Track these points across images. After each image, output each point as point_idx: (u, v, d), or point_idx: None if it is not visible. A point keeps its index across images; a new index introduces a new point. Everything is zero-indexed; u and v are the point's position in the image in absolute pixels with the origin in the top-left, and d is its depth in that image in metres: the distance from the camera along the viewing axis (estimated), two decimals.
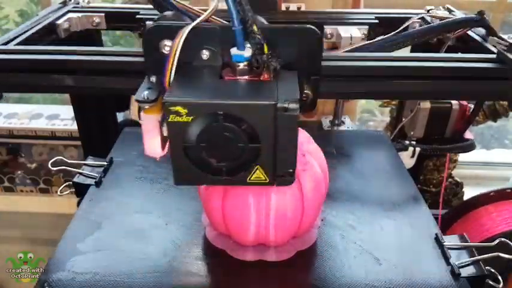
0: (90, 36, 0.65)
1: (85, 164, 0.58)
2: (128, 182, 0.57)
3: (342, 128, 0.86)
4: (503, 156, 1.37)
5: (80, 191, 0.55)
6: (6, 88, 0.47)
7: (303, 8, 0.68)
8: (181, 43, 0.34)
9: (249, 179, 0.36)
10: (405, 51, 0.51)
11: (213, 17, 0.37)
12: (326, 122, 0.87)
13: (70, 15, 0.61)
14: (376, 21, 0.61)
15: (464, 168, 1.21)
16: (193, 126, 0.33)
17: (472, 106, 0.74)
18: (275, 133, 0.33)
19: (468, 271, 0.44)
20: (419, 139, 0.76)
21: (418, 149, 0.76)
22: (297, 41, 0.37)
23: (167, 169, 0.59)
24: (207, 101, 0.33)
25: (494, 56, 0.44)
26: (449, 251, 0.46)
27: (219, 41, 0.36)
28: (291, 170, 0.36)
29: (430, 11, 0.62)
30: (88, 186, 0.55)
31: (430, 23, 0.58)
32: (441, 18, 0.57)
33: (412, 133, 0.77)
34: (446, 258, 0.45)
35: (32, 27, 0.54)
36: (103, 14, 0.63)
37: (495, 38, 0.48)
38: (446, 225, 0.77)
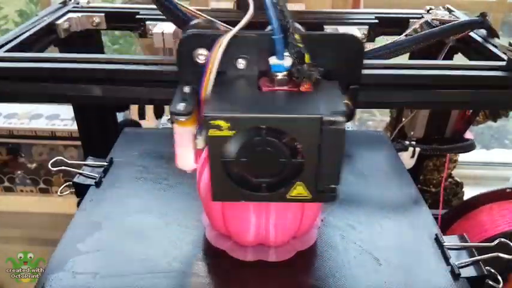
0: (90, 37, 0.66)
1: (85, 165, 0.58)
2: (128, 182, 0.57)
3: None
4: (503, 156, 1.37)
5: (80, 191, 0.55)
6: (25, 97, 0.45)
7: (303, 8, 0.68)
8: (221, 53, 0.33)
9: (289, 195, 0.34)
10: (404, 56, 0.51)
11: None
12: None
13: (70, 15, 0.61)
14: (376, 21, 0.61)
15: (464, 168, 1.21)
16: (234, 140, 0.32)
17: None
18: (319, 148, 0.32)
19: (468, 271, 0.44)
20: (419, 139, 0.76)
21: (418, 149, 0.76)
22: (339, 49, 0.35)
23: (167, 169, 0.59)
24: (249, 114, 0.31)
25: None
26: (449, 251, 0.46)
27: (256, 49, 0.35)
28: (333, 186, 0.34)
29: (430, 11, 0.62)
30: (88, 186, 0.55)
31: (431, 24, 0.58)
32: (442, 21, 0.57)
33: (412, 133, 0.77)
34: (446, 259, 0.45)
35: (32, 28, 0.54)
36: (103, 14, 0.63)
37: (505, 45, 0.47)
38: (446, 225, 0.77)
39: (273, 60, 0.34)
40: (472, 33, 0.53)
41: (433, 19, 0.60)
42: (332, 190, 0.34)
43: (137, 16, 0.60)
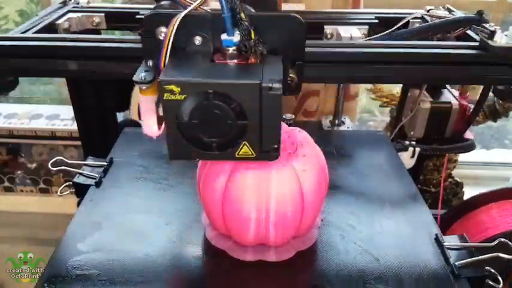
0: None
1: (85, 164, 0.58)
2: (128, 182, 0.57)
3: (342, 128, 0.86)
4: (503, 156, 1.37)
5: (80, 191, 0.55)
6: (18, 72, 0.50)
7: (303, 8, 0.68)
8: (175, 29, 0.37)
9: (237, 154, 0.38)
10: None
11: (203, 7, 0.40)
12: (326, 122, 0.87)
13: (70, 15, 0.61)
14: (376, 21, 0.61)
15: (464, 168, 1.21)
16: (186, 104, 0.36)
17: (472, 106, 0.75)
18: (260, 111, 0.36)
19: (468, 271, 0.44)
20: (419, 139, 0.76)
21: (418, 149, 0.76)
22: (283, 28, 0.39)
23: (167, 169, 0.59)
24: (198, 80, 0.35)
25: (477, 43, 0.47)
26: (449, 251, 0.46)
27: (211, 27, 0.39)
28: (275, 146, 0.38)
29: (430, 11, 0.62)
30: (88, 186, 0.55)
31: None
32: (441, 18, 0.57)
33: (412, 133, 0.77)
34: (446, 259, 0.45)
35: (32, 27, 0.54)
36: (103, 14, 0.64)
37: (479, 27, 0.51)
38: (446, 225, 0.77)
39: (224, 36, 0.38)
40: (470, 32, 0.53)
41: (431, 16, 0.60)
42: (275, 150, 0.38)
43: (137, 16, 0.60)
